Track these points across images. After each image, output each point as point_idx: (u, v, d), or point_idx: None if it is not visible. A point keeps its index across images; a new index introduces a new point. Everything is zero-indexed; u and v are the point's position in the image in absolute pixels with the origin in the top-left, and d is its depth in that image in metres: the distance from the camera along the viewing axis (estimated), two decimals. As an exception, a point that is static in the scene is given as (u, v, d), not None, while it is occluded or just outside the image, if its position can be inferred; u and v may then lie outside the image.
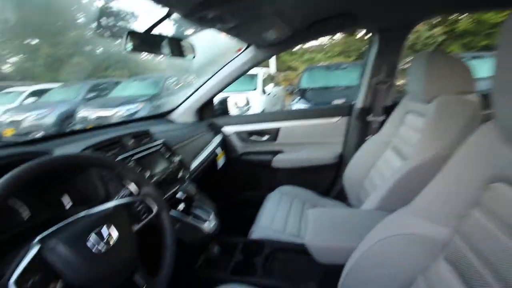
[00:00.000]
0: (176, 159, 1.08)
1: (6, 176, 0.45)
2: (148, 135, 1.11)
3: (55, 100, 6.90)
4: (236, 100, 2.08)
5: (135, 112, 5.57)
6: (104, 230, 0.54)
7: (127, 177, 0.67)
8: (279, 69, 11.62)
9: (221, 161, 1.64)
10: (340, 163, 1.65)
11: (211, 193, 1.96)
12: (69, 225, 0.53)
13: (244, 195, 1.85)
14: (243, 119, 1.77)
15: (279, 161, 1.68)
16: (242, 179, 1.84)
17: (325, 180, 1.70)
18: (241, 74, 1.57)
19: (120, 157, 0.88)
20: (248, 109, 2.09)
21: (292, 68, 12.35)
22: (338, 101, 4.49)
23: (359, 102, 1.56)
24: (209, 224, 0.98)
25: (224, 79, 1.57)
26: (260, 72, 6.09)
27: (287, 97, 8.01)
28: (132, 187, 0.69)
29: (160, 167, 0.99)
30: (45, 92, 7.65)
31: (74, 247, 0.48)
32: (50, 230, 0.50)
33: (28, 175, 0.47)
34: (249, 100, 2.09)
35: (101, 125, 1.40)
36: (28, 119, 5.99)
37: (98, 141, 0.88)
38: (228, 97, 1.89)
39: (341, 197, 1.52)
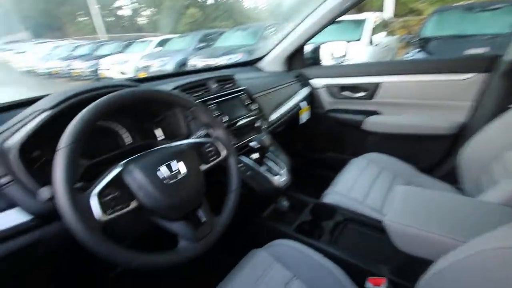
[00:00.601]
0: (255, 107, 1.05)
1: (97, 101, 0.51)
2: (232, 80, 1.11)
3: (174, 49, 7.97)
4: (332, 49, 1.82)
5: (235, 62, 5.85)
6: (174, 164, 0.57)
7: (201, 118, 0.68)
8: (397, 13, 9.54)
9: (304, 116, 1.54)
10: (459, 135, 1.28)
11: (288, 148, 1.93)
12: (148, 154, 0.58)
13: (325, 155, 1.73)
14: (336, 70, 1.54)
15: (372, 123, 1.44)
16: (325, 138, 1.70)
17: (432, 154, 1.37)
18: (339, 15, 1.30)
19: (203, 99, 0.91)
20: (344, 61, 1.81)
21: (416, 11, 9.91)
22: (474, 51, 3.35)
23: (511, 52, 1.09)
24: (280, 178, 0.95)
25: (318, 22, 1.36)
26: (370, 17, 5.13)
27: (401, 49, 6.67)
28: (208, 128, 0.70)
29: (239, 113, 0.99)
30: (167, 42, 8.89)
31: (146, 174, 0.53)
32: (133, 156, 0.57)
33: (111, 102, 0.52)
34: (348, 49, 1.79)
35: (195, 70, 1.50)
36: (155, 65, 7.20)
37: (186, 83, 0.92)
38: (321, 44, 1.66)
39: (450, 179, 1.20)
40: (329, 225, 0.92)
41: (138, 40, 10.21)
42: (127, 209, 0.50)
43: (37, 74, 10.11)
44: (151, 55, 8.08)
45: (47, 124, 0.56)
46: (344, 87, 1.52)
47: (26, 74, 10.44)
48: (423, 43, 4.23)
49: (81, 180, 0.58)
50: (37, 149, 0.59)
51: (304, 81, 1.60)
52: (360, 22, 5.02)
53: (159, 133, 0.88)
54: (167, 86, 0.91)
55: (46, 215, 0.51)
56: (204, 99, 0.91)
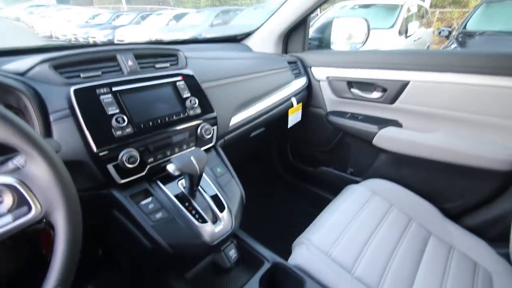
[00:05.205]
0: (196, 102, 0.66)
1: None
2: (173, 58, 0.72)
3: (189, 25, 7.62)
4: (350, 30, 1.35)
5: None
6: None
7: None
8: (436, 3, 8.50)
9: (294, 118, 1.13)
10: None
11: (262, 165, 1.54)
12: None
13: (317, 169, 1.32)
14: (346, 58, 1.10)
15: (387, 137, 1.01)
16: (319, 147, 1.29)
17: (467, 195, 0.94)
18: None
19: (91, 84, 0.53)
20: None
21: (460, 2, 8.81)
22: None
23: None
24: (213, 228, 0.58)
25: None
26: (407, 2, 4.46)
27: (436, 45, 5.92)
28: (19, 157, 0.33)
29: (162, 111, 0.60)
30: (183, 16, 8.53)
31: None
32: None
33: None
34: (369, 33, 1.32)
35: (162, 42, 1.13)
36: (166, 39, 6.85)
37: (66, 54, 0.55)
38: (333, 19, 1.22)
39: (487, 233, 0.81)
40: None
41: (155, 13, 9.86)
42: None
43: (56, 40, 10.03)
44: (163, 28, 7.80)
45: None
46: (354, 83, 1.09)
47: (46, 40, 10.38)
48: (463, 38, 3.58)
49: None
50: None
51: (301, 69, 1.18)
52: (394, 8, 4.39)
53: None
54: (34, 58, 0.54)
55: None
56: (95, 83, 0.54)
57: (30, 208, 0.32)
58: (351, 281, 0.64)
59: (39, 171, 0.32)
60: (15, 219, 0.31)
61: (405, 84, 0.95)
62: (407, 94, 0.96)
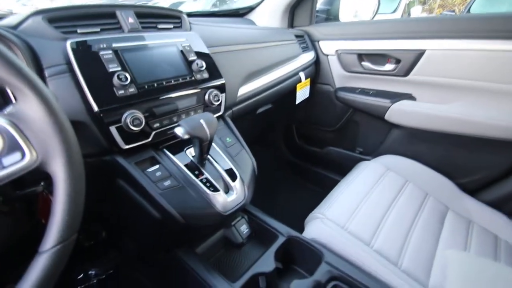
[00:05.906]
0: (203, 66, 0.61)
1: None
2: (177, 20, 0.67)
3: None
4: (357, 6, 1.29)
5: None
6: None
7: None
8: (439, -11, 8.31)
9: (302, 94, 1.08)
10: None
11: (268, 147, 1.50)
12: None
13: (324, 150, 1.28)
14: (357, 29, 1.05)
15: (401, 112, 0.97)
16: (327, 126, 1.25)
17: (486, 168, 0.90)
18: None
19: (90, 38, 0.48)
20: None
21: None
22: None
23: None
24: (226, 197, 0.54)
25: None
26: (409, -14, 4.35)
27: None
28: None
29: (167, 73, 0.55)
30: (180, 4, 8.33)
31: None
32: None
33: None
34: (378, 6, 1.26)
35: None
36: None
37: (61, 7, 0.49)
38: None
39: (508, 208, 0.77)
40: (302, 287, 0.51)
41: (151, 2, 9.65)
42: None
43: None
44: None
45: None
46: (365, 55, 1.04)
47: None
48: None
49: None
50: None
51: (309, 43, 1.12)
52: (397, -7, 4.27)
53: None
54: (27, 11, 0.49)
55: None
56: (94, 38, 0.49)
57: (23, 155, 0.27)
58: (371, 253, 0.61)
59: (32, 112, 0.27)
60: (5, 166, 0.27)
61: (420, 54, 0.90)
62: (423, 65, 0.91)
